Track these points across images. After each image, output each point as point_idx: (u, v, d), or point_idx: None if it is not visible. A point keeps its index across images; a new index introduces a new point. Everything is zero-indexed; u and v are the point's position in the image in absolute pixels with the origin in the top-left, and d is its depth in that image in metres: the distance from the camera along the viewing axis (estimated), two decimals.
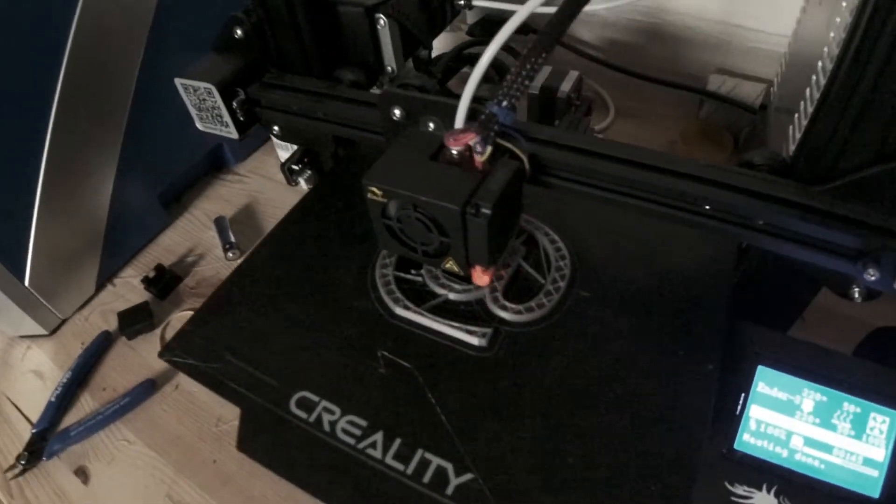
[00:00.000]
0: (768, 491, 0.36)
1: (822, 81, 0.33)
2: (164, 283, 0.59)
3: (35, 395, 0.55)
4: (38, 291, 0.56)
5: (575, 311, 0.40)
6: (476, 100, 0.33)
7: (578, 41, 0.75)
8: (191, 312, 0.58)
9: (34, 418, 0.52)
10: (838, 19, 0.42)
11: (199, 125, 0.49)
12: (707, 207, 0.34)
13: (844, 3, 0.42)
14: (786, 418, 0.36)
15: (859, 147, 0.31)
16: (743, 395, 0.36)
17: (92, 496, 0.47)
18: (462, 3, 0.46)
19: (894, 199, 0.31)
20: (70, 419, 0.52)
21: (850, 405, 0.36)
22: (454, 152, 0.33)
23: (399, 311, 0.40)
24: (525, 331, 0.39)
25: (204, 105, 0.47)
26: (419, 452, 0.34)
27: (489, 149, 0.33)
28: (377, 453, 0.34)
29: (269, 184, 0.72)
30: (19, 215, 0.53)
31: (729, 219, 0.34)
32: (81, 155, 0.56)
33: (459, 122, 0.34)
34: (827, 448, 0.36)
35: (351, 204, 0.48)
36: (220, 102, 0.45)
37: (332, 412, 0.36)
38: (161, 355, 0.40)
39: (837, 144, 0.31)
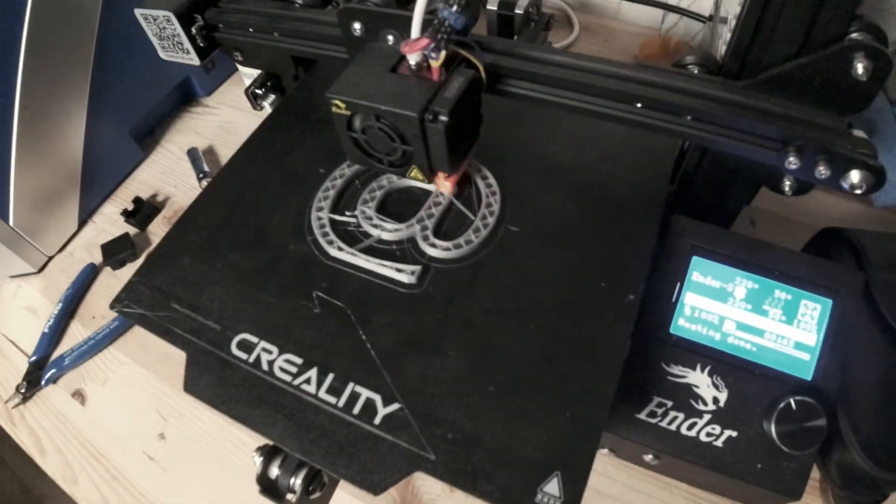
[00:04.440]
0: (702, 371, 0.39)
1: None
2: (143, 214, 0.61)
3: (29, 330, 0.57)
4: (23, 231, 0.58)
5: (503, 246, 0.40)
6: (431, 12, 0.35)
7: None
8: None
9: (30, 351, 0.55)
10: None
11: (161, 54, 0.50)
12: (638, 105, 0.36)
13: None
14: (719, 304, 0.39)
15: (783, 41, 0.32)
16: (679, 283, 0.39)
17: (90, 415, 0.51)
18: None
19: (815, 92, 0.33)
20: (63, 348, 0.55)
21: (782, 293, 0.38)
22: (412, 63, 0.35)
23: (333, 252, 0.41)
24: (453, 267, 0.40)
25: (164, 34, 0.47)
26: (350, 386, 0.35)
27: (443, 54, 0.34)
28: (311, 388, 0.36)
29: (238, 113, 0.73)
30: None
31: (658, 116, 0.36)
32: (52, 94, 0.56)
33: (415, 31, 0.35)
34: (758, 332, 0.38)
35: (304, 133, 0.48)
36: (179, 30, 0.46)
37: (269, 352, 0.37)
38: (112, 306, 0.41)
39: (763, 38, 0.33)
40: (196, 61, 0.48)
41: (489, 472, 0.32)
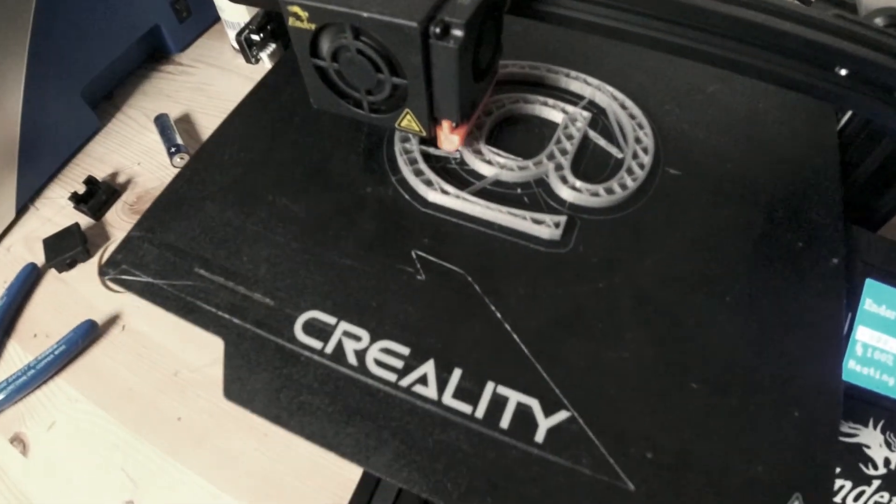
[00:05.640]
0: (874, 426, 0.30)
1: None
2: (98, 199, 0.49)
3: None
4: None
5: (664, 193, 0.31)
6: None
7: None
8: None
9: None
10: None
11: None
12: (842, 72, 0.25)
13: None
14: (893, 340, 0.30)
15: None
16: (850, 313, 0.30)
17: (34, 469, 0.39)
18: None
19: None
20: None
21: None
22: None
23: (433, 196, 0.30)
24: (607, 218, 0.30)
25: None
26: (489, 387, 0.24)
27: None
28: (430, 391, 0.24)
29: (219, 73, 0.60)
30: None
31: (865, 89, 0.25)
32: None
33: None
34: None
35: None
36: None
37: (356, 338, 0.26)
38: (103, 273, 0.29)
39: None
40: None
41: None
